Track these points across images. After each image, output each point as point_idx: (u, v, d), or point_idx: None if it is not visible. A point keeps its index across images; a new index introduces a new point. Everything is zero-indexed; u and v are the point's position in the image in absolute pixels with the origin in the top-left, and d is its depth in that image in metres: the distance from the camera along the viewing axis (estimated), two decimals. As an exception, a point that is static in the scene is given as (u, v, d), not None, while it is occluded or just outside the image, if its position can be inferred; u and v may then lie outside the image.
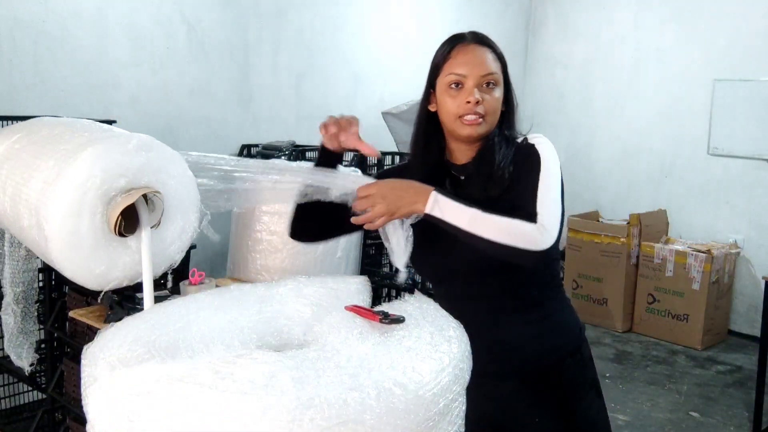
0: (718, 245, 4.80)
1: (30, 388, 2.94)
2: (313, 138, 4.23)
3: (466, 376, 0.95)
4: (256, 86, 4.05)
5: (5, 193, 1.32)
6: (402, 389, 0.81)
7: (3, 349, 2.61)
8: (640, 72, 5.32)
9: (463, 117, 1.39)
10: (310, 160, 3.68)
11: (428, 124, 1.49)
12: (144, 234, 1.24)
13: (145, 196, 1.27)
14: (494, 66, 1.42)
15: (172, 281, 2.42)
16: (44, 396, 2.73)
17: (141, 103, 3.50)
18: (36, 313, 2.32)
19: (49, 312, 2.62)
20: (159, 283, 2.37)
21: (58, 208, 1.18)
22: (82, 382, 0.92)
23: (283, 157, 3.45)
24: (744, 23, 4.82)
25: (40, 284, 2.61)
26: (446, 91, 1.42)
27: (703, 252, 4.63)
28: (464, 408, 0.94)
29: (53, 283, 2.67)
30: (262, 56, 4.05)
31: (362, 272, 3.04)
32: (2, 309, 2.16)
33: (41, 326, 2.64)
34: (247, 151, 3.89)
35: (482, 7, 5.58)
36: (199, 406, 0.76)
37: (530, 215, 1.29)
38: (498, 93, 1.42)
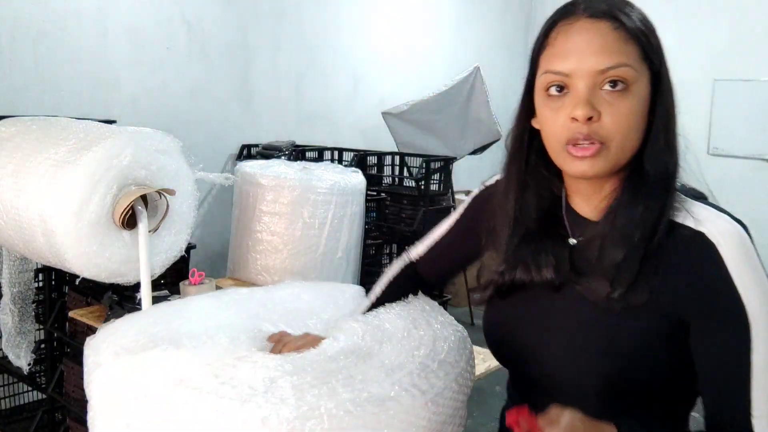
0: (718, 245, 4.79)
1: (30, 388, 2.94)
2: (313, 138, 4.23)
3: (470, 384, 0.93)
4: (256, 86, 4.05)
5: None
6: (408, 397, 0.80)
7: (2, 348, 2.62)
8: (640, 72, 5.32)
9: (571, 143, 0.85)
10: (310, 159, 3.68)
11: (530, 147, 0.95)
12: (142, 233, 1.24)
13: (145, 198, 1.27)
14: (623, 52, 0.84)
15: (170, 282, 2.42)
16: (44, 396, 2.73)
17: (141, 103, 3.50)
18: (33, 313, 2.33)
19: (49, 312, 2.62)
20: (158, 283, 2.37)
21: (81, 172, 1.17)
22: (86, 369, 0.91)
23: (283, 157, 3.45)
24: (744, 23, 4.82)
25: (40, 284, 2.61)
26: (544, 100, 0.89)
27: (703, 252, 4.63)
28: (465, 417, 0.92)
29: (53, 283, 2.67)
30: (262, 56, 4.05)
31: (362, 272, 3.04)
32: (0, 309, 2.17)
33: (41, 326, 2.64)
34: (247, 151, 3.89)
35: (482, 7, 5.58)
36: (198, 411, 0.76)
37: None
38: (632, 101, 0.84)
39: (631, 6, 0.88)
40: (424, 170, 3.48)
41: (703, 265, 0.83)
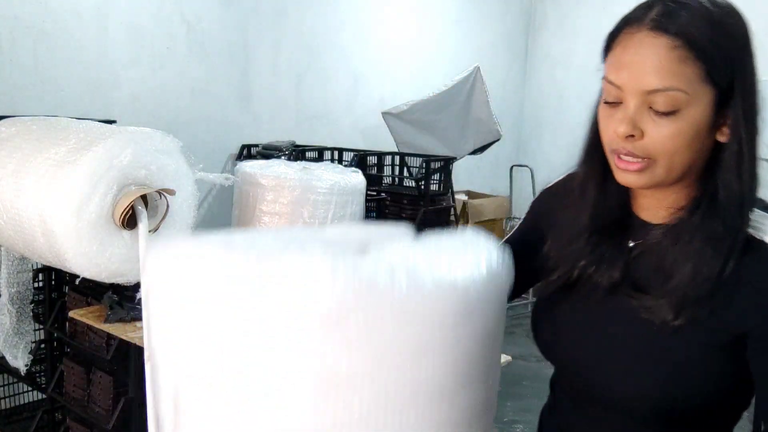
0: (718, 245, 4.79)
1: (30, 388, 2.94)
2: (313, 138, 4.23)
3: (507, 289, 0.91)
4: (256, 86, 4.05)
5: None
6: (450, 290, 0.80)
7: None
8: (640, 72, 5.32)
9: (616, 154, 0.85)
10: (310, 159, 3.68)
11: (599, 145, 0.91)
12: (142, 233, 1.24)
13: (145, 198, 1.27)
14: (676, 75, 0.79)
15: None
16: (44, 396, 2.73)
17: (141, 102, 3.50)
18: (31, 314, 2.33)
19: (49, 312, 2.62)
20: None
21: (81, 172, 1.18)
22: (142, 269, 0.91)
23: (283, 157, 3.45)
24: (744, 23, 4.83)
25: (40, 284, 2.61)
26: (602, 105, 0.89)
27: (703, 252, 4.62)
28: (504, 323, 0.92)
29: (53, 283, 2.67)
30: (262, 56, 4.05)
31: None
32: (-2, 309, 2.17)
33: (41, 326, 2.64)
34: (247, 151, 3.89)
35: (482, 7, 5.58)
36: (250, 290, 0.77)
37: None
38: (682, 125, 0.80)
39: (709, 12, 0.82)
40: (424, 170, 3.49)
41: (766, 274, 0.81)
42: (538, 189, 1.13)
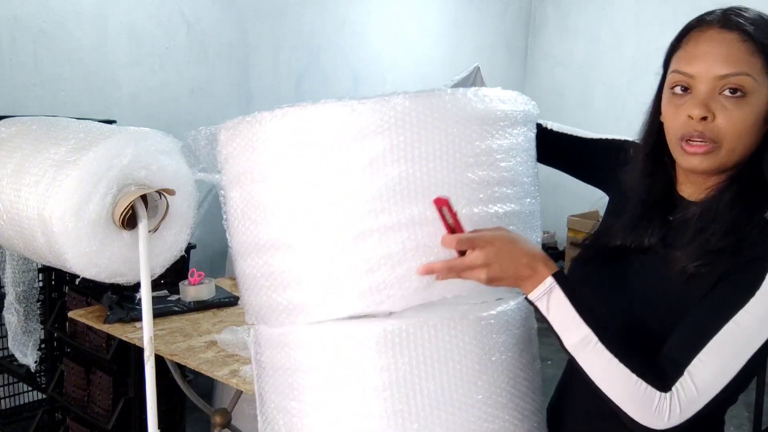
0: (718, 245, 4.79)
1: (30, 388, 2.94)
2: (313, 138, 4.23)
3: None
4: (256, 86, 4.05)
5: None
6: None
7: (3, 349, 2.62)
8: (640, 72, 5.32)
9: (685, 139, 0.96)
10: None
11: (657, 140, 1.04)
12: (142, 233, 1.24)
13: (145, 198, 1.27)
14: (745, 63, 0.92)
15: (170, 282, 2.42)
16: (44, 396, 2.74)
17: (141, 102, 3.50)
18: (38, 312, 2.34)
19: (49, 312, 2.62)
20: (158, 283, 2.37)
21: (81, 172, 1.17)
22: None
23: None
24: (744, 23, 4.83)
25: (40, 284, 2.62)
26: (669, 97, 0.99)
27: (703, 252, 4.62)
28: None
29: (53, 283, 2.67)
30: (262, 56, 4.06)
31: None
32: (5, 308, 2.17)
33: (41, 326, 2.65)
34: (247, 151, 3.89)
35: (482, 6, 5.58)
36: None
37: (669, 372, 0.89)
38: (749, 109, 0.92)
39: (764, 20, 0.95)
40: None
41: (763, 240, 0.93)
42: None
